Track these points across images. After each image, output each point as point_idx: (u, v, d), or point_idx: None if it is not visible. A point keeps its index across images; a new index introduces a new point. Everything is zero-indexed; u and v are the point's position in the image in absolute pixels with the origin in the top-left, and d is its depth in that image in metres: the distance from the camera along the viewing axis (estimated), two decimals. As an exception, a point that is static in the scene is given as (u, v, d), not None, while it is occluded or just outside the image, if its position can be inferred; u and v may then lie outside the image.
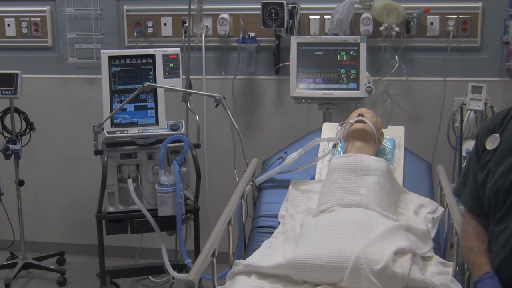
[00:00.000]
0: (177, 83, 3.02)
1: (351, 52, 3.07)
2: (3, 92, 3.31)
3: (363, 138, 2.40)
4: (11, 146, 3.37)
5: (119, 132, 2.95)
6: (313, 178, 2.55)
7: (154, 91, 2.99)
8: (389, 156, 2.52)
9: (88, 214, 3.17)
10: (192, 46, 3.37)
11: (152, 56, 3.03)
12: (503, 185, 1.68)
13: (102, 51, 3.04)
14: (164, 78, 3.02)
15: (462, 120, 3.08)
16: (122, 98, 2.97)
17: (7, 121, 3.44)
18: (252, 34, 3.39)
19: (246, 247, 2.31)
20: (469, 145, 3.01)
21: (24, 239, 3.57)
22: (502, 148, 1.73)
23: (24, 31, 3.68)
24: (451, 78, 3.31)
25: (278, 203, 2.43)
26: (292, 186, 2.49)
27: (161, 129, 2.99)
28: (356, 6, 3.26)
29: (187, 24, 3.36)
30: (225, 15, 3.41)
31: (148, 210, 2.90)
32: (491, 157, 1.75)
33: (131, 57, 3.03)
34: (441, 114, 3.33)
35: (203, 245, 1.83)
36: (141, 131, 2.97)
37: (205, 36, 3.43)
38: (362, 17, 3.24)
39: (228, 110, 2.85)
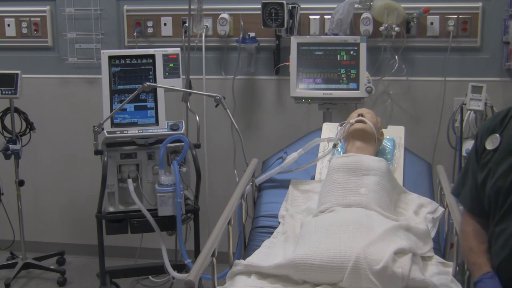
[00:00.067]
0: (177, 83, 3.02)
1: (351, 52, 3.07)
2: (3, 92, 3.31)
3: (363, 138, 2.40)
4: (11, 146, 3.37)
5: (119, 132, 2.95)
6: (313, 178, 2.55)
7: (154, 91, 2.99)
8: (389, 156, 2.52)
9: (88, 214, 3.17)
10: (192, 46, 3.37)
11: (152, 56, 3.03)
12: (503, 185, 1.68)
13: (102, 51, 3.04)
14: (164, 78, 3.02)
15: (462, 120, 3.08)
16: (122, 98, 2.97)
17: (7, 121, 3.44)
18: (252, 34, 3.39)
19: (246, 247, 2.31)
20: (469, 145, 3.00)
21: (24, 239, 3.57)
22: (502, 148, 1.73)
23: (24, 31, 3.68)
24: (451, 78, 3.31)
25: (278, 203, 2.43)
26: (292, 186, 2.49)
27: (161, 129, 2.99)
28: (356, 6, 3.26)
29: (187, 24, 3.36)
30: (225, 15, 3.41)
31: (148, 210, 2.90)
32: (491, 157, 1.75)
33: (131, 57, 3.03)
34: (441, 114, 3.33)
35: (203, 245, 1.83)
36: (141, 131, 2.97)
37: (205, 36, 3.43)
38: (362, 17, 3.24)
39: (228, 110, 2.85)
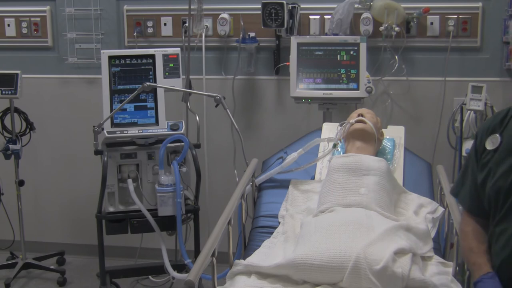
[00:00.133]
0: (177, 83, 3.02)
1: (351, 52, 3.07)
2: (3, 92, 3.31)
3: (363, 138, 2.40)
4: (11, 146, 3.37)
5: (119, 132, 2.95)
6: (313, 178, 2.55)
7: (154, 91, 2.99)
8: (389, 156, 2.52)
9: (88, 214, 3.17)
10: (192, 46, 3.37)
11: (152, 56, 3.03)
12: (503, 185, 1.68)
13: (102, 51, 3.04)
14: (164, 78, 3.02)
15: (462, 120, 3.08)
16: (122, 98, 2.97)
17: (7, 121, 3.44)
18: (252, 34, 3.39)
19: (246, 247, 2.31)
20: (469, 145, 3.00)
21: (24, 239, 3.57)
22: (503, 148, 1.73)
23: (24, 31, 3.68)
24: (451, 78, 3.31)
25: (278, 203, 2.43)
26: (292, 186, 2.49)
27: (161, 129, 2.99)
28: (356, 6, 3.26)
29: (187, 24, 3.36)
30: (225, 15, 3.41)
31: (148, 210, 2.90)
32: (491, 157, 1.75)
33: (131, 57, 3.03)
34: (441, 114, 3.33)
35: (203, 245, 1.83)
36: (141, 131, 2.97)
37: (205, 36, 3.43)
38: (362, 17, 3.24)
39: (228, 110, 2.85)
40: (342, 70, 3.08)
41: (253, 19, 3.36)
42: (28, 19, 3.67)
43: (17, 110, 3.43)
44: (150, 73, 3.03)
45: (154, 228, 2.93)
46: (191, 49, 3.33)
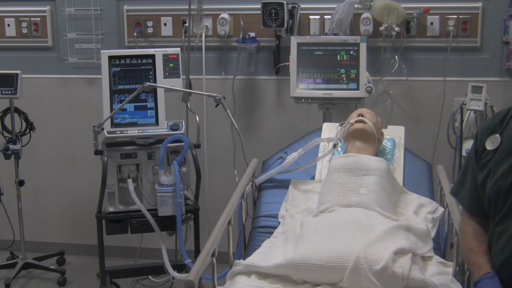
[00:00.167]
0: (177, 83, 3.02)
1: (351, 52, 3.07)
2: (3, 92, 3.31)
3: (363, 138, 2.40)
4: (11, 146, 3.37)
5: (119, 132, 2.95)
6: (313, 178, 2.55)
7: (154, 91, 2.99)
8: (389, 156, 2.52)
9: (88, 214, 3.17)
10: (192, 46, 3.37)
11: (152, 56, 3.03)
12: (503, 186, 1.68)
13: (102, 51, 3.04)
14: (164, 78, 3.02)
15: (462, 120, 3.08)
16: (122, 98, 2.97)
17: (7, 121, 3.44)
18: (252, 34, 3.39)
19: (246, 247, 2.31)
20: (469, 145, 3.00)
21: (24, 239, 3.57)
22: (503, 148, 1.73)
23: (24, 31, 3.68)
24: (451, 78, 3.31)
25: (278, 203, 2.43)
26: (292, 186, 2.49)
27: (161, 129, 2.99)
28: (356, 6, 3.26)
29: (187, 24, 3.36)
30: (225, 15, 3.41)
31: (148, 210, 2.90)
32: (491, 157, 1.75)
33: (131, 57, 3.03)
34: (441, 114, 3.33)
35: (203, 245, 1.83)
36: (141, 131, 2.97)
37: (205, 36, 3.43)
38: (362, 17, 3.24)
39: (228, 110, 2.85)
40: (342, 70, 3.08)
41: (253, 19, 3.36)
42: (28, 19, 3.67)
43: (17, 110, 3.43)
44: (150, 73, 3.03)
45: (154, 228, 2.93)
46: (191, 49, 3.33)
